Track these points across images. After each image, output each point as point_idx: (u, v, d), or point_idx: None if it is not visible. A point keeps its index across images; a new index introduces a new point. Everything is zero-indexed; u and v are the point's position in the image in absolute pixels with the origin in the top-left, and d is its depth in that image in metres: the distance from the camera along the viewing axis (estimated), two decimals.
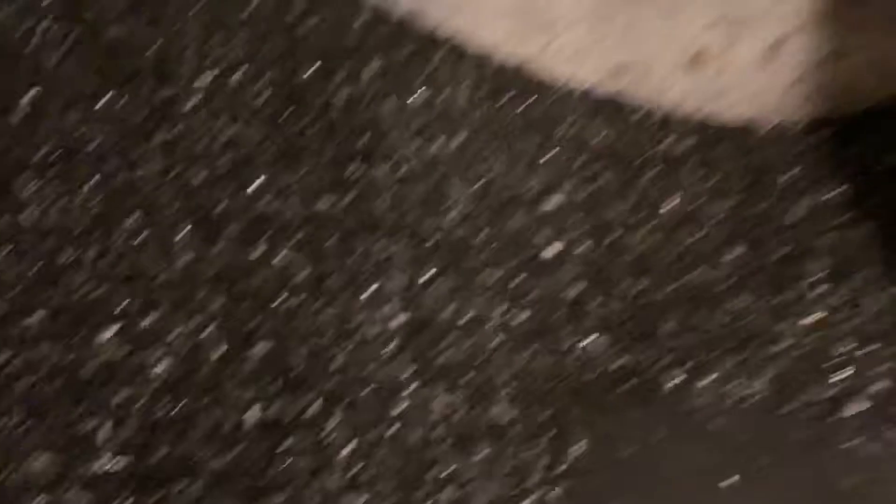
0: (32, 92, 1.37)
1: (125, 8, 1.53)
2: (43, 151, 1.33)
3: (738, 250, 1.55)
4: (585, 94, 1.78)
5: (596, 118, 1.74)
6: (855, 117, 1.72)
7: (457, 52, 1.75)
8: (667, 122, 1.75)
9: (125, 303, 1.24)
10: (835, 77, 1.67)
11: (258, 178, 1.43)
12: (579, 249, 1.53)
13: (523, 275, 1.46)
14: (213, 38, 1.56)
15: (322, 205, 1.45)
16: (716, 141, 1.74)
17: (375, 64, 1.66)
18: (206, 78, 1.49)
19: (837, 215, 1.60)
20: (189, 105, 1.46)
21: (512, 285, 1.45)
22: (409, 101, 1.64)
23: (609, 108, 1.76)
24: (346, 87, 1.60)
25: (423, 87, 1.67)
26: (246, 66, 1.54)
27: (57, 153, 1.33)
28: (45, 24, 1.45)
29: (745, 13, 1.62)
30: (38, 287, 1.22)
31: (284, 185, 1.44)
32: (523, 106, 1.73)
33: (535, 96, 1.75)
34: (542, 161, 1.65)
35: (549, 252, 1.52)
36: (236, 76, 1.52)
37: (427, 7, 1.74)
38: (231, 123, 1.46)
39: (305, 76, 1.58)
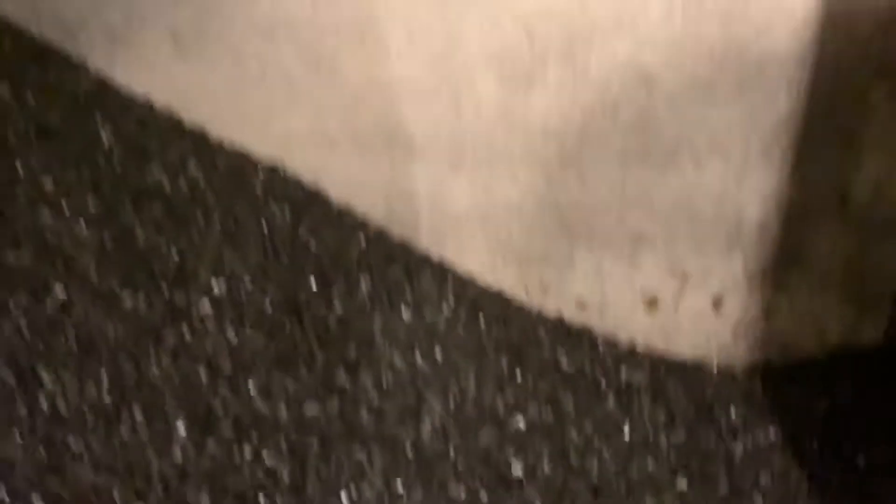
0: (65, 287, 1.53)
1: (156, 217, 1.73)
2: (66, 343, 1.46)
3: (686, 482, 1.69)
4: (553, 323, 1.99)
5: (562, 345, 1.94)
6: (790, 365, 1.94)
7: (442, 275, 1.97)
8: (625, 354, 1.95)
9: (119, 493, 1.33)
10: (770, 329, 1.90)
11: (255, 380, 1.57)
12: (542, 469, 1.66)
13: (489, 492, 1.58)
14: (229, 249, 1.75)
15: (309, 410, 1.58)
16: (668, 375, 1.93)
17: (370, 281, 1.86)
18: (220, 285, 1.67)
19: (775, 455, 1.77)
20: (201, 309, 1.62)
21: (478, 501, 1.56)
22: (396, 317, 1.82)
23: (574, 337, 1.97)
24: (342, 300, 1.79)
25: (410, 305, 1.86)
26: (255, 276, 1.73)
27: (78, 345, 1.47)
28: (84, 225, 1.64)
29: (693, 268, 1.88)
30: (41, 473, 1.31)
31: (278, 388, 1.58)
32: (498, 328, 1.92)
33: (509, 320, 1.96)
34: (512, 381, 1.82)
35: (515, 470, 1.64)
36: (246, 285, 1.70)
37: (418, 234, 1.98)
38: (237, 328, 1.62)
39: (307, 288, 1.77)
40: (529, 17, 1.70)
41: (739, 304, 1.90)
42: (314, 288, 1.77)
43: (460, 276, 1.97)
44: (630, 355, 1.95)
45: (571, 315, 1.97)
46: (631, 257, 1.88)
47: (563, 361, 1.89)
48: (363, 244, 1.93)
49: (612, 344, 1.95)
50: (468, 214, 1.92)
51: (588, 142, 1.77)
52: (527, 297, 1.97)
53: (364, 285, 1.85)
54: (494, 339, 1.89)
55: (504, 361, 1.85)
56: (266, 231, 1.83)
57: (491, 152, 1.85)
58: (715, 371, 1.95)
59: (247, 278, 1.72)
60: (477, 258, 1.97)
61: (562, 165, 1.81)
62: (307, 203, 1.94)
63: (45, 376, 1.41)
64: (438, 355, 1.80)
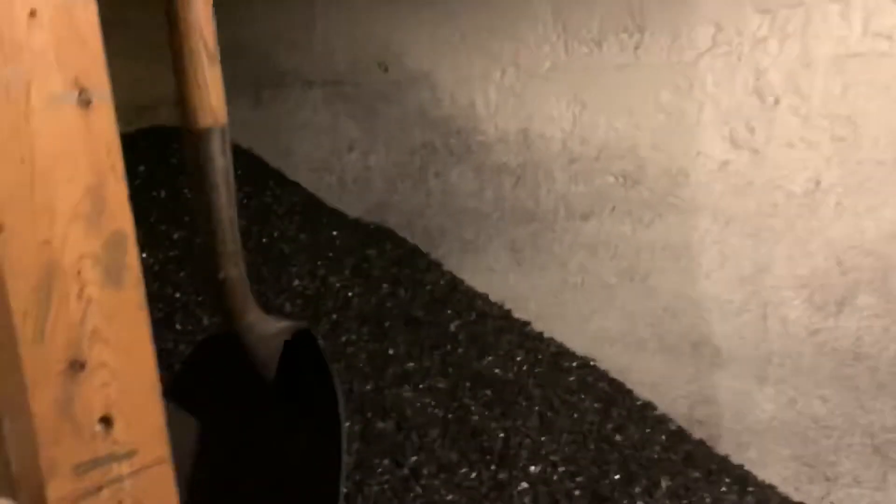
0: (416, 454, 1.89)
1: (488, 399, 2.06)
2: (414, 503, 1.80)
3: None
4: None
5: None
6: None
7: (742, 482, 2.02)
8: None
9: None
10: None
11: None
12: None
13: None
14: (544, 434, 2.01)
15: None
16: None
17: (669, 480, 1.98)
18: (536, 468, 1.92)
19: None
20: (519, 488, 1.88)
21: None
22: None
23: None
24: (643, 496, 1.93)
25: None
26: (566, 461, 1.96)
27: None
28: (434, 403, 2.02)
29: None
30: None
31: None
32: None
33: None
34: None
35: None
36: (559, 471, 1.93)
37: (719, 438, 2.07)
38: None
39: (611, 480, 1.94)
40: (840, 248, 1.82)
41: None
42: (616, 481, 1.94)
43: (762, 485, 2.00)
44: None
45: None
46: None
47: None
48: (664, 443, 2.07)
49: None
50: (772, 425, 1.98)
51: None
52: None
53: (664, 483, 1.97)
54: None
55: None
56: (575, 420, 2.06)
57: (797, 369, 1.92)
58: None
59: (558, 463, 1.95)
60: (780, 470, 1.99)
61: (875, 389, 1.83)
62: (614, 397, 2.15)
63: None
64: None
